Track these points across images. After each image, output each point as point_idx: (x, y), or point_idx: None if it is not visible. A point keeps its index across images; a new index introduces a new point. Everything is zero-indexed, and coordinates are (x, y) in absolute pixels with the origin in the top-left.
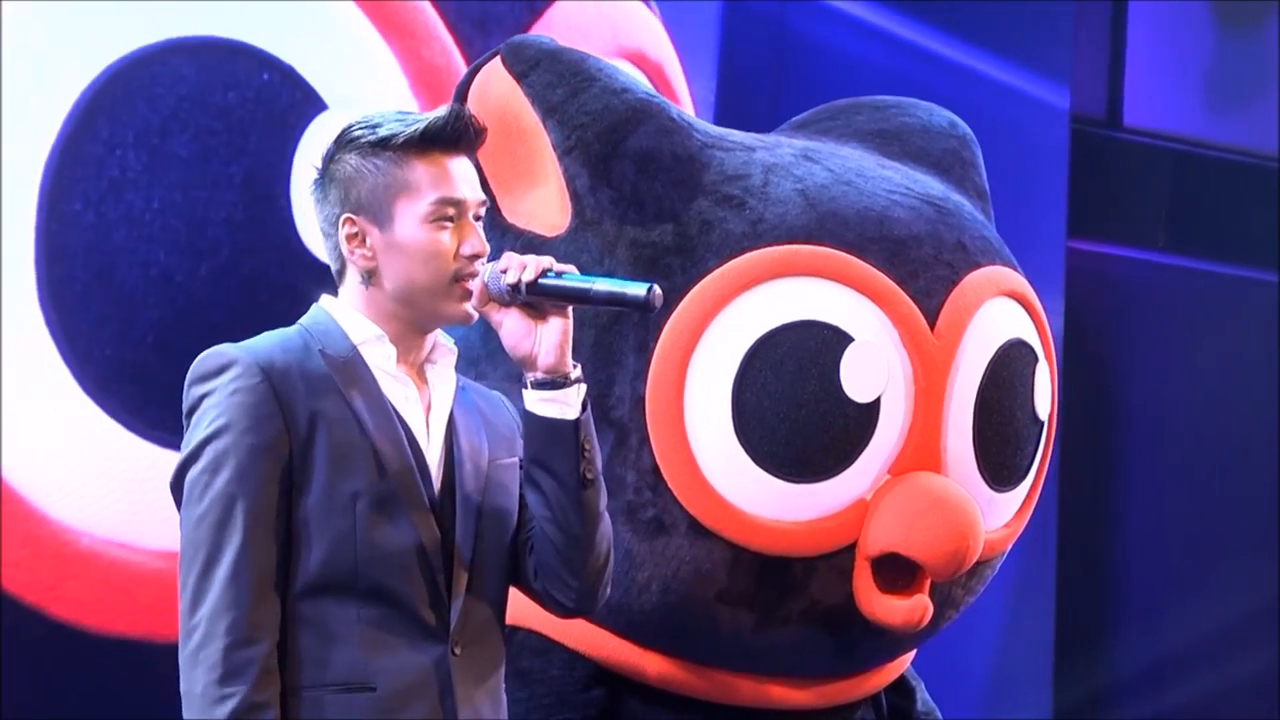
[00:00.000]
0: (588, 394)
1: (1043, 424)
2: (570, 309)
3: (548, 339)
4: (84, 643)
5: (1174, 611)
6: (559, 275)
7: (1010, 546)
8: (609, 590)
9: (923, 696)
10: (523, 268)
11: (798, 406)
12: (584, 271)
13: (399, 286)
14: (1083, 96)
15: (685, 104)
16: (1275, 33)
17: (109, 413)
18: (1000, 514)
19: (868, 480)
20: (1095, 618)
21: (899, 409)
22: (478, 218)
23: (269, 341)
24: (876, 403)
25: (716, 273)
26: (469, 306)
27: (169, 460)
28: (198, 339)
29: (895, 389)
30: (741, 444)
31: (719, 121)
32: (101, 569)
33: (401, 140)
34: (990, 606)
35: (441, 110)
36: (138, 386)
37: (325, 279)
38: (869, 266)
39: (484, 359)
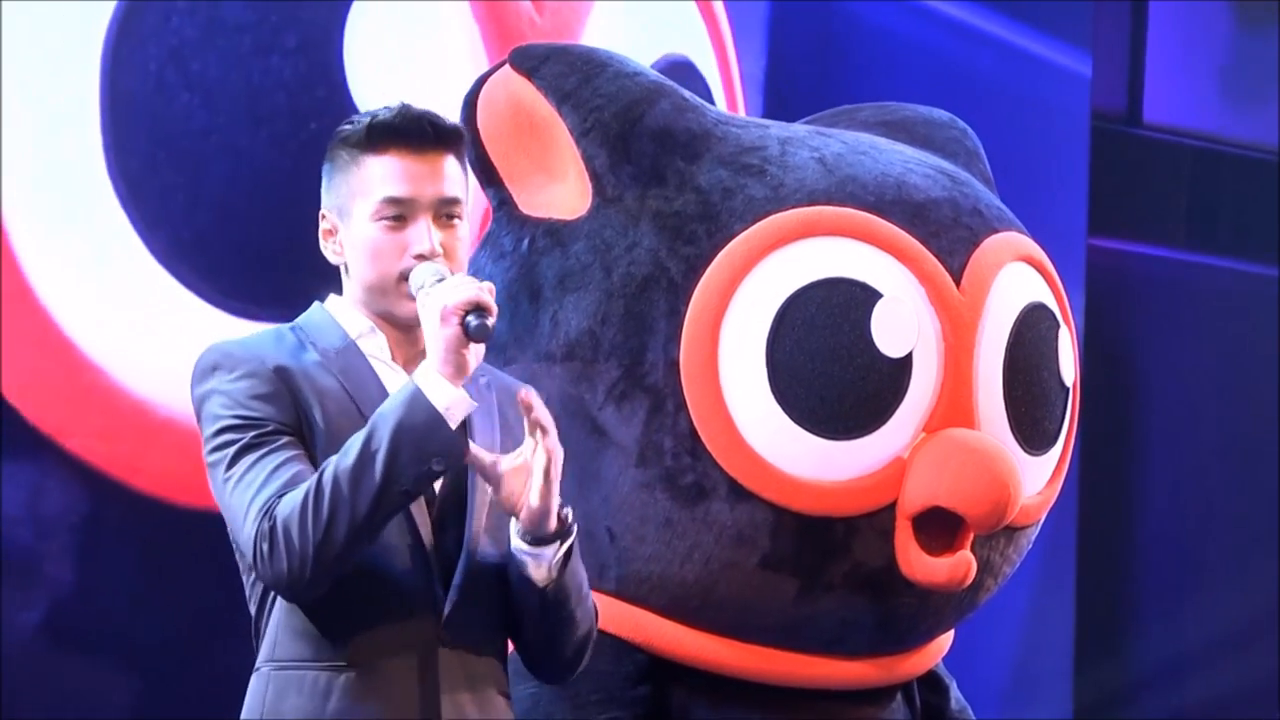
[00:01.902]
0: (619, 364)
1: (1068, 390)
2: (528, 466)
3: (525, 493)
4: (168, 515)
5: (1194, 609)
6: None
7: (1045, 515)
8: (582, 665)
9: (955, 694)
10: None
11: (832, 362)
12: (608, 247)
13: (357, 284)
14: (1103, 93)
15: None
16: None
17: (182, 281)
18: (1034, 479)
19: (904, 437)
20: (1115, 615)
21: (930, 365)
22: (450, 216)
23: (260, 337)
24: (909, 358)
25: (742, 235)
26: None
27: (242, 329)
28: (262, 205)
29: (926, 345)
30: (778, 402)
31: (769, 92)
32: (181, 440)
33: (354, 139)
34: (1010, 604)
35: (390, 106)
36: (207, 255)
37: None
38: (892, 225)
39: (511, 344)
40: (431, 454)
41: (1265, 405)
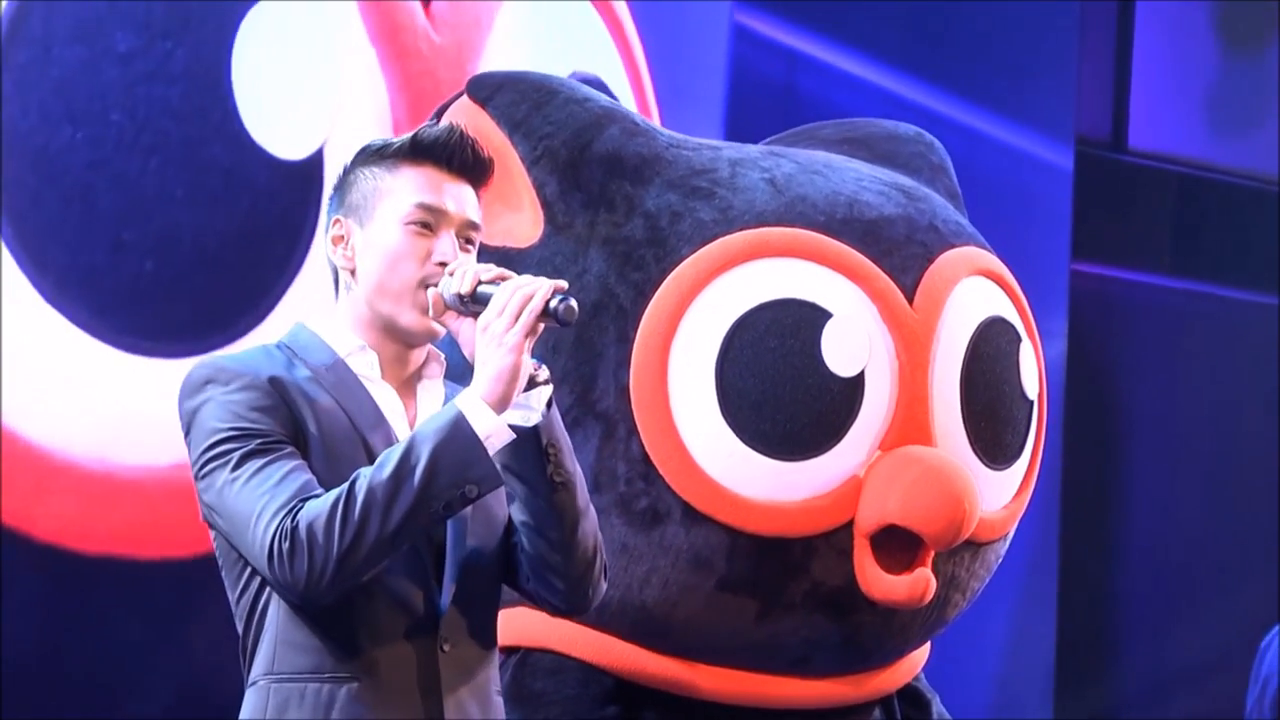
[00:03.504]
0: (571, 390)
1: (1032, 403)
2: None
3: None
4: (69, 563)
5: (1175, 630)
6: (496, 283)
7: (1012, 530)
8: (602, 587)
9: (939, 710)
10: (463, 277)
11: (781, 383)
12: (558, 274)
13: (368, 288)
14: (1088, 119)
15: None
16: (1278, 57)
17: (72, 320)
18: (998, 494)
19: (859, 456)
20: (1097, 635)
21: (884, 383)
22: (468, 240)
23: (250, 353)
24: (860, 377)
25: (690, 259)
26: (429, 316)
27: (137, 366)
28: (155, 233)
29: (878, 363)
30: (729, 424)
31: None
32: (79, 484)
33: (395, 147)
34: (992, 626)
35: (438, 125)
36: (98, 291)
37: (276, 169)
38: (842, 244)
39: (468, 373)
40: (468, 481)
41: (1249, 430)
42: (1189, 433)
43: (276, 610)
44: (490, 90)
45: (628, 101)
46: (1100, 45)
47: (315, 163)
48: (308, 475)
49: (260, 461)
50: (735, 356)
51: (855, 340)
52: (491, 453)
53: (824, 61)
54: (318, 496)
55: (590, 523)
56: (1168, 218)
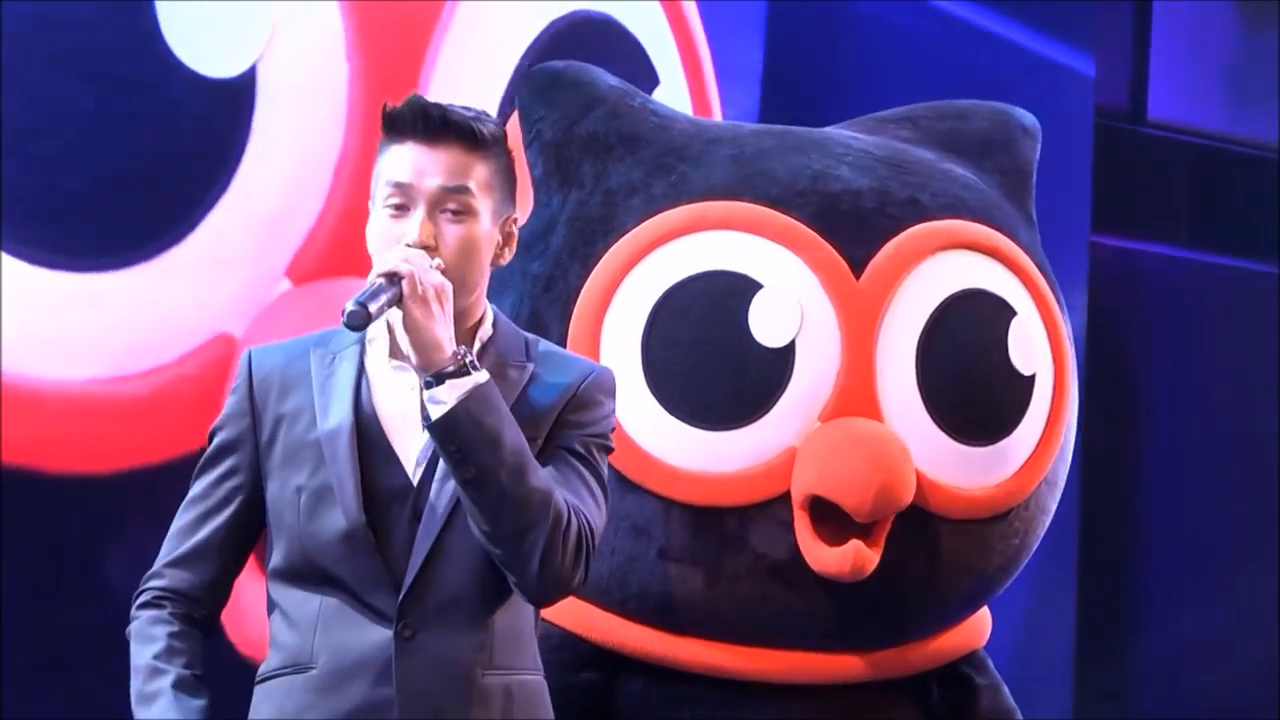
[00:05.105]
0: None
1: (1030, 378)
2: (402, 306)
3: (404, 340)
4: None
5: (1196, 608)
6: (389, 281)
7: (1018, 507)
8: (564, 578)
9: (991, 699)
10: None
11: (703, 355)
12: (528, 249)
13: None
14: (1107, 90)
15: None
16: None
17: None
18: (977, 470)
19: (793, 427)
20: (1116, 614)
21: (821, 355)
22: (444, 208)
23: (291, 341)
24: (790, 348)
25: (630, 233)
26: None
27: (68, 285)
28: (64, 149)
29: (814, 335)
30: (652, 394)
31: (767, 91)
32: (9, 403)
33: (383, 128)
34: (1011, 603)
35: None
36: (7, 203)
37: (196, 90)
38: (784, 216)
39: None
40: None
41: (1267, 404)
42: (1208, 405)
43: (270, 607)
44: (524, 80)
45: (662, 38)
46: (1119, 17)
47: (246, 82)
48: (199, 531)
49: (189, 497)
50: (660, 328)
51: (784, 311)
52: None
53: None
54: (184, 562)
55: (525, 517)
56: (1187, 190)
